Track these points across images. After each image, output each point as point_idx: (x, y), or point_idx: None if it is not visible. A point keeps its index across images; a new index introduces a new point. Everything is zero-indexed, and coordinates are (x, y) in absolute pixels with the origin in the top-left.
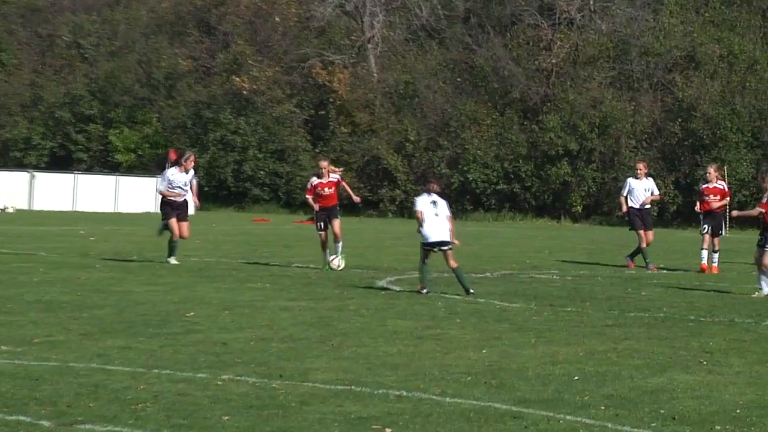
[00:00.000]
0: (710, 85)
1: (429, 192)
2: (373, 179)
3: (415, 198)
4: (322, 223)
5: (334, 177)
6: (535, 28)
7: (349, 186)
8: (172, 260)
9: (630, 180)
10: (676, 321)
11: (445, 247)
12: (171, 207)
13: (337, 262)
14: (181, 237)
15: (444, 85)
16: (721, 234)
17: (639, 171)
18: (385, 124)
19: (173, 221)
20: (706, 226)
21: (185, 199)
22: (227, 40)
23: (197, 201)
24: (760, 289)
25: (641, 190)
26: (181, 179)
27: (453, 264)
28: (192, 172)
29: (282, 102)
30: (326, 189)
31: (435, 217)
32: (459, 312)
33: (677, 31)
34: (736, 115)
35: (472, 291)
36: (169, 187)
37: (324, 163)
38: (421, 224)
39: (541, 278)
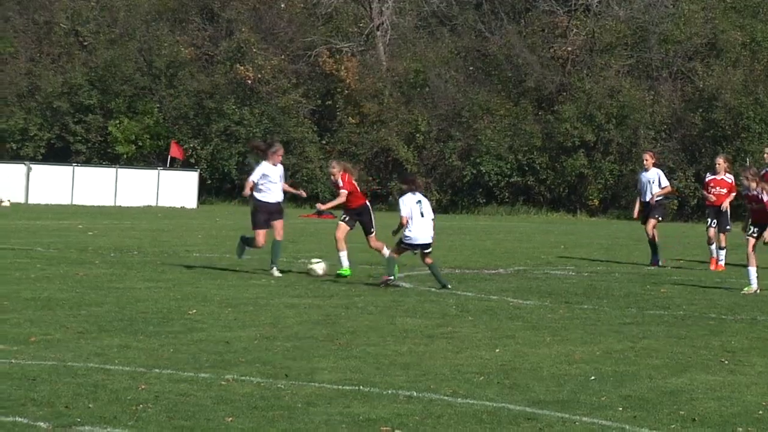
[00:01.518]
0: (732, 74)
1: (415, 191)
2: (383, 171)
3: (400, 198)
4: (347, 217)
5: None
6: (550, 15)
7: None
8: (272, 271)
9: (640, 174)
10: (697, 319)
11: (427, 250)
12: (263, 211)
13: (322, 266)
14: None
15: (456, 74)
16: (729, 229)
17: (645, 162)
18: (395, 114)
19: (261, 232)
20: (709, 219)
21: (278, 200)
22: (231, 28)
23: (302, 191)
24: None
25: (644, 182)
26: (275, 173)
27: (428, 261)
28: (280, 166)
29: (288, 91)
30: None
31: (421, 217)
32: (471, 310)
33: (698, 17)
34: (760, 104)
35: (449, 286)
36: (263, 183)
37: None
38: (405, 226)
39: (556, 274)
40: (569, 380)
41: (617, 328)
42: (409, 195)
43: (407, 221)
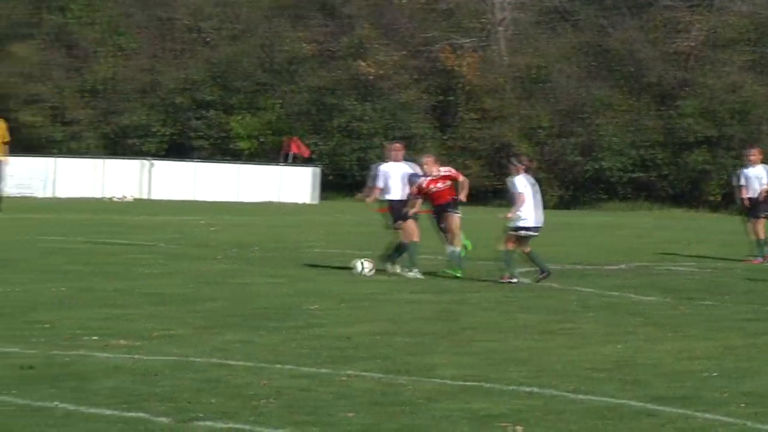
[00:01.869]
0: None
1: (527, 171)
2: (503, 167)
3: (513, 178)
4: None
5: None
6: (671, 10)
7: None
8: (408, 272)
9: (744, 169)
10: None
11: (536, 233)
12: (394, 210)
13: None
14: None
15: (577, 69)
16: None
17: (752, 157)
18: (515, 110)
19: (407, 224)
20: None
21: (404, 198)
22: (351, 23)
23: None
24: None
25: (752, 178)
26: (395, 170)
27: (527, 249)
28: (404, 164)
29: (408, 87)
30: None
31: (533, 199)
32: (591, 306)
33: None
34: None
35: (548, 269)
36: (385, 184)
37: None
38: (519, 207)
39: (677, 270)
40: (690, 376)
41: (739, 324)
42: (523, 176)
43: (524, 197)
